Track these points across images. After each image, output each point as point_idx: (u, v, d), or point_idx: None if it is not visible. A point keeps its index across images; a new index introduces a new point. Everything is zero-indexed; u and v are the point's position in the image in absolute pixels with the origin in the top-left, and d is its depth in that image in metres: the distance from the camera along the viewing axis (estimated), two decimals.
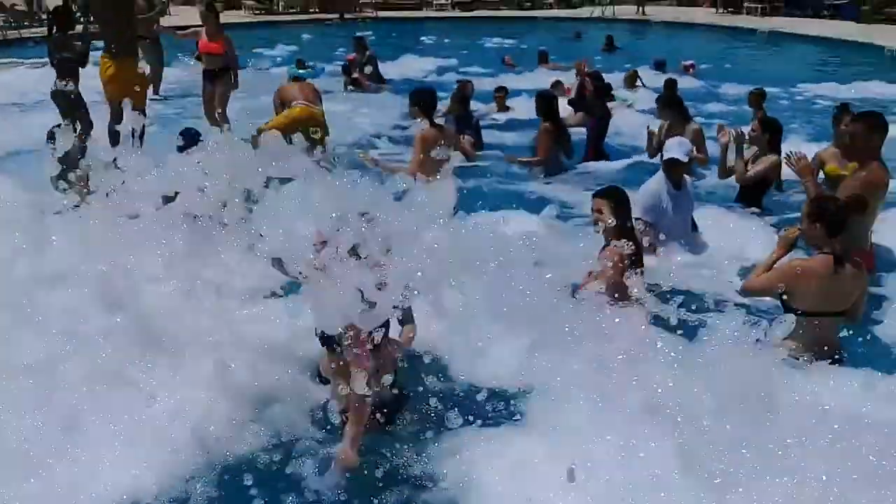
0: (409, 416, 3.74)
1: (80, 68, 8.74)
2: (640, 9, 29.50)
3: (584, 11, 30.41)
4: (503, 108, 11.63)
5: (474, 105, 10.79)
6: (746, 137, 6.76)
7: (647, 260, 5.00)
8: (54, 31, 8.84)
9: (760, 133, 6.76)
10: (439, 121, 7.79)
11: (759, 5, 27.69)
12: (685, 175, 5.96)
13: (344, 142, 9.40)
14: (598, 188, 5.16)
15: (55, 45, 8.73)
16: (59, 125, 6.11)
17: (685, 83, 13.75)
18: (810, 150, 7.53)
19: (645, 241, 5.30)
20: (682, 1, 32.56)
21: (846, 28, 22.50)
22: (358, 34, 13.72)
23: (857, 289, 4.18)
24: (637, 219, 5.36)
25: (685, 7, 31.72)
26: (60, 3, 26.28)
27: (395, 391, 3.62)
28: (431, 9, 32.48)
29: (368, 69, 13.64)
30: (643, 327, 4.14)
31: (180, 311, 4.09)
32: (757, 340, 3.13)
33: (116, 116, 7.79)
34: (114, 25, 8.10)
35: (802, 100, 12.95)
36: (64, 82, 8.63)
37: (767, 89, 10.23)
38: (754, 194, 6.76)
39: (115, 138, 6.40)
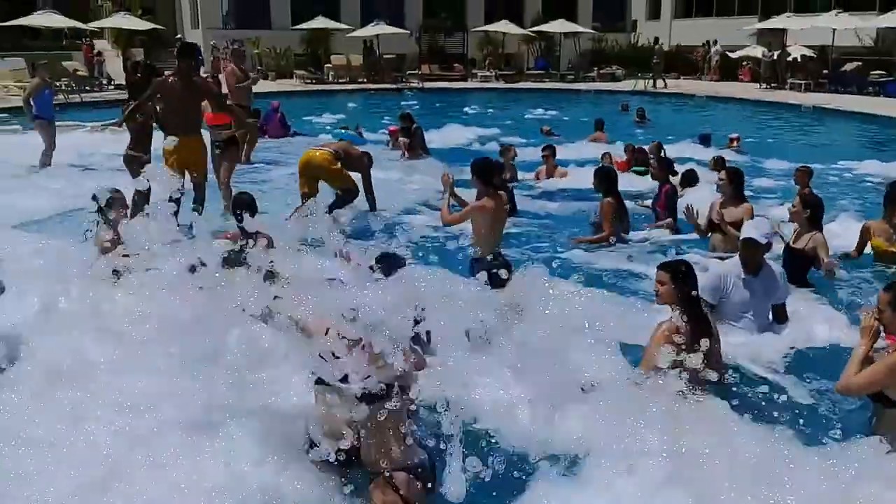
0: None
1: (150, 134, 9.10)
2: (653, 82, 29.82)
3: (628, 84, 30.76)
4: (552, 170, 11.79)
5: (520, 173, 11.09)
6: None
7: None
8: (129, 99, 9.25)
9: (801, 209, 6.66)
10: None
11: (803, 81, 27.76)
12: (769, 263, 5.62)
13: (395, 207, 9.62)
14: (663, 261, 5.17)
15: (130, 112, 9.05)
16: (111, 189, 6.35)
17: (729, 157, 13.80)
18: (856, 227, 7.56)
19: None
20: (725, 75, 32.75)
21: (892, 105, 22.38)
22: (405, 111, 14.04)
23: None
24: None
25: (728, 82, 31.87)
26: (122, 71, 27.33)
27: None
28: (476, 80, 33.16)
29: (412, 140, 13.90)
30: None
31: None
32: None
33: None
34: (183, 111, 8.29)
35: (848, 176, 12.82)
36: (135, 148, 9.02)
37: (812, 165, 10.20)
38: (799, 272, 6.55)
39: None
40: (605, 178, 8.26)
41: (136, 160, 8.98)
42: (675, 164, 10.33)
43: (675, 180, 9.84)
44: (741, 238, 5.58)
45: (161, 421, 3.80)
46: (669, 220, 8.66)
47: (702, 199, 8.30)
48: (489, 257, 6.28)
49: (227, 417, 3.80)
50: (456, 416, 3.38)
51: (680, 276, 4.63)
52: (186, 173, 7.95)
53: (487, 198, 6.77)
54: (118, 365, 4.20)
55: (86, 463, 3.59)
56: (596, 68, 34.00)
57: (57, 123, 12.82)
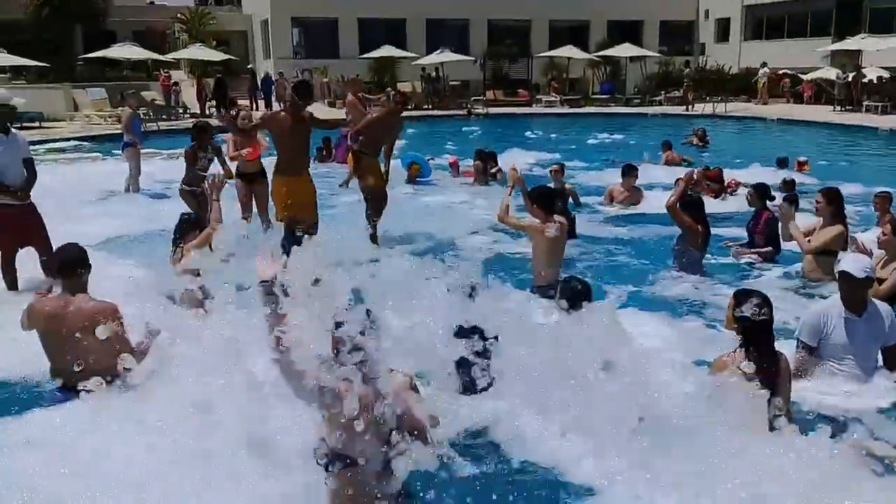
0: None
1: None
2: (689, 106, 29.16)
3: (696, 108, 30.31)
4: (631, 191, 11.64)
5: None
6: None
7: (797, 383, 4.69)
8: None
9: (892, 236, 6.39)
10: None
11: (879, 104, 26.90)
12: (875, 301, 5.17)
13: (463, 232, 9.74)
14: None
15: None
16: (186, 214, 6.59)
17: (799, 180, 13.43)
18: None
19: (799, 365, 4.94)
20: (796, 100, 32.00)
21: None
22: (484, 150, 14.14)
23: None
24: (798, 339, 5.08)
25: (798, 104, 31.11)
26: (195, 97, 28.33)
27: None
28: (541, 105, 33.20)
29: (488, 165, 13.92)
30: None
31: None
32: None
33: (289, 232, 7.30)
34: (294, 148, 8.16)
35: None
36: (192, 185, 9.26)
37: (889, 188, 9.83)
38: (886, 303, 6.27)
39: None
40: (690, 205, 7.74)
41: (189, 194, 9.26)
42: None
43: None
44: (837, 271, 5.20)
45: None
46: (770, 248, 8.44)
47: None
48: (548, 284, 6.23)
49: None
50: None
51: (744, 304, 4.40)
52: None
53: (549, 223, 6.81)
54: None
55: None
56: (663, 92, 33.66)
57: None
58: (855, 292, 5.01)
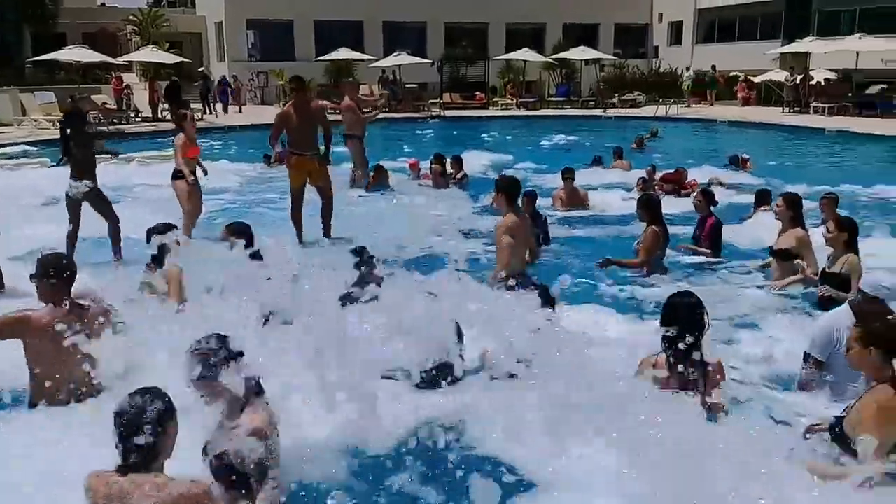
0: None
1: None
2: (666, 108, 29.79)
3: (649, 110, 30.74)
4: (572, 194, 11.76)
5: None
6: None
7: (795, 397, 4.79)
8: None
9: (838, 233, 6.55)
10: None
11: (827, 105, 27.58)
12: None
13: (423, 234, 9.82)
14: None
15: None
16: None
17: (741, 178, 13.79)
18: (887, 247, 7.59)
19: (807, 380, 4.92)
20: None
21: None
22: (442, 154, 14.19)
23: None
24: (807, 354, 4.93)
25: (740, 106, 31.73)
26: (146, 99, 27.92)
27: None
28: (497, 108, 33.36)
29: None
30: None
31: None
32: None
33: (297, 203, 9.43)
34: (303, 131, 9.24)
35: (874, 198, 12.63)
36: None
37: (837, 188, 10.06)
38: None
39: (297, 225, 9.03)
40: (647, 205, 8.09)
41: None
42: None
43: None
44: (861, 290, 5.13)
45: None
46: (710, 251, 8.57)
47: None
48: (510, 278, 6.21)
49: None
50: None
51: (667, 309, 4.54)
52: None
53: (511, 215, 6.83)
54: None
55: None
56: (617, 95, 34.05)
57: None
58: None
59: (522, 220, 6.99)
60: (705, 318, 4.46)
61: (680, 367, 4.34)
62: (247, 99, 34.14)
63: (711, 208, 8.85)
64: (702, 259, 8.53)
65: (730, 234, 9.01)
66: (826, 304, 6.42)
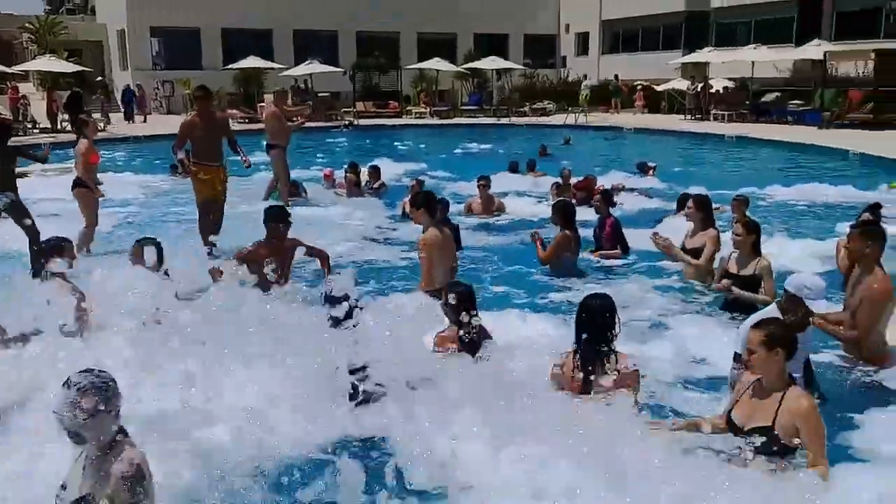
0: None
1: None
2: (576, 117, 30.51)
3: (559, 119, 31.35)
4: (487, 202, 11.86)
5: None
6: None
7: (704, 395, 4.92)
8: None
9: (746, 235, 6.73)
10: None
11: (726, 112, 28.79)
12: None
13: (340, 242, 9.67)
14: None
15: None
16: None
17: (646, 183, 14.26)
18: (786, 247, 8.24)
19: (735, 380, 4.83)
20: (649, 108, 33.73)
21: (809, 133, 23.30)
22: (356, 163, 14.06)
23: None
24: (737, 354, 4.87)
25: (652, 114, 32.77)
26: (44, 110, 26.72)
27: None
28: (411, 116, 33.40)
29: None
30: None
31: None
32: None
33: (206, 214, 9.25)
34: (209, 141, 9.13)
35: (772, 200, 13.18)
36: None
37: (738, 191, 10.45)
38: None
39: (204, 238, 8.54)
40: (561, 210, 8.37)
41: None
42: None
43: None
44: (785, 289, 5.03)
45: None
46: (618, 250, 8.94)
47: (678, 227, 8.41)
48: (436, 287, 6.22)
49: None
50: None
51: (580, 310, 4.65)
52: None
53: (432, 229, 6.88)
54: None
55: None
56: (528, 103, 34.61)
57: None
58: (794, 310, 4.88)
59: (444, 234, 7.06)
60: (616, 319, 4.54)
61: (589, 368, 4.40)
62: (152, 108, 33.14)
63: (610, 209, 9.26)
64: (615, 262, 8.77)
65: (642, 238, 9.23)
66: (732, 305, 6.69)
